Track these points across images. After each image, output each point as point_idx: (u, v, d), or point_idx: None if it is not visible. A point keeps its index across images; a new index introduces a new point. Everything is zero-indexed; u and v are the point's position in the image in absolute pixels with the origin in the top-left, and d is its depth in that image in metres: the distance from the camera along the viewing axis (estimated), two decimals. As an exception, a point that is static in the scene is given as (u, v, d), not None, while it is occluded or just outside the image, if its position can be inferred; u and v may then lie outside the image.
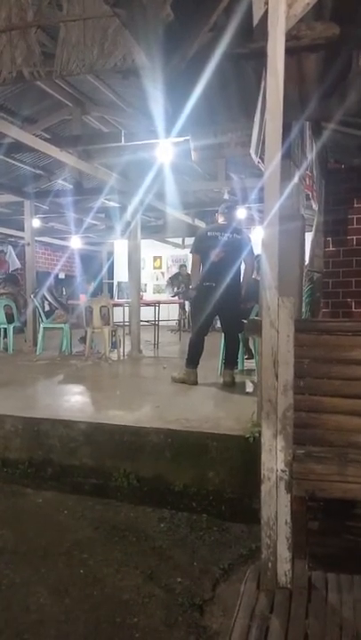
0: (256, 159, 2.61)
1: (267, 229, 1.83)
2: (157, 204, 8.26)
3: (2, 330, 7.41)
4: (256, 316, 4.96)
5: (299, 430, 1.75)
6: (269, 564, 1.77)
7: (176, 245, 12.35)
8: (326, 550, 1.97)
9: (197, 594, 2.16)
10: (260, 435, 2.92)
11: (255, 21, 2.02)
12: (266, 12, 1.79)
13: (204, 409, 3.87)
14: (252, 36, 2.25)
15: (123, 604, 2.13)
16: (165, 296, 11.39)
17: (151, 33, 2.36)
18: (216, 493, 3.04)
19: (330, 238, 4.52)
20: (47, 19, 3.69)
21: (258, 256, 4.75)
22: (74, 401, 4.28)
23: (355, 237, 4.38)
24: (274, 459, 1.74)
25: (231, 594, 2.11)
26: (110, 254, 13.47)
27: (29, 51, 3.71)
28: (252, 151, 2.74)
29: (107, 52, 3.58)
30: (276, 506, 1.74)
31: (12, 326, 7.35)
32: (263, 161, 2.03)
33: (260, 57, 2.14)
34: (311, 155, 3.82)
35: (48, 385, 5.01)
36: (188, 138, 5.36)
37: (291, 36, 1.97)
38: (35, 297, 7.21)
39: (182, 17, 2.23)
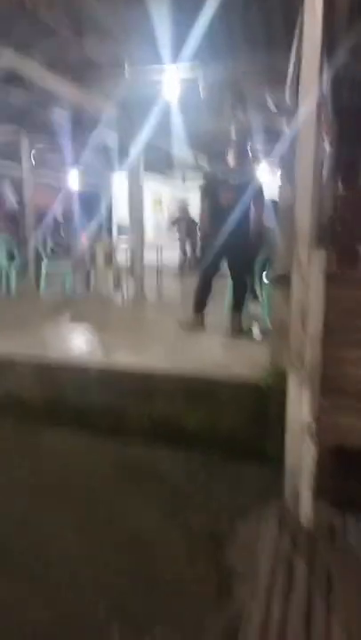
0: (289, 96, 2.47)
1: (301, 176, 1.76)
2: (159, 139, 7.93)
3: (3, 272, 7.30)
4: (265, 262, 4.90)
5: (325, 382, 1.78)
6: (292, 508, 1.85)
7: (177, 184, 12.01)
8: (346, 495, 2.06)
9: (216, 532, 2.26)
10: (272, 382, 2.99)
11: None
12: None
13: (213, 354, 3.92)
14: None
15: (144, 539, 2.24)
16: (168, 240, 11.19)
17: None
18: (228, 436, 3.12)
19: (340, 179, 4.39)
20: None
21: (270, 202, 4.64)
22: (83, 343, 4.31)
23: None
24: (300, 410, 1.78)
25: (249, 533, 2.21)
26: (109, 194, 13.09)
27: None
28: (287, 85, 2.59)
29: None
30: (301, 454, 1.79)
31: (12, 267, 7.24)
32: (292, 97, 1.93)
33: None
34: (326, 90, 3.64)
35: (55, 327, 5.02)
36: (195, 69, 5.09)
37: None
38: (38, 238, 7.08)
39: None
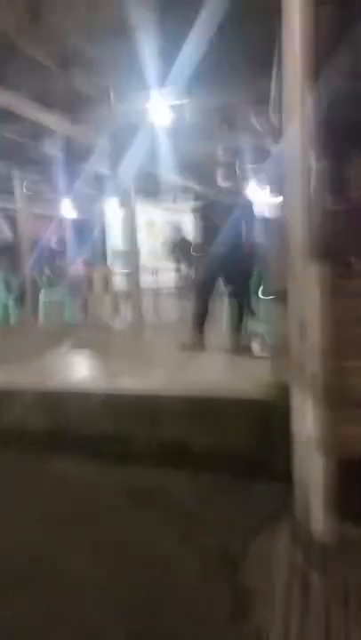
0: (273, 114, 2.54)
1: (292, 189, 1.79)
2: (150, 165, 8.07)
3: (1, 304, 7.35)
4: (260, 278, 4.95)
5: (328, 394, 1.78)
6: (304, 522, 1.83)
7: (170, 209, 12.15)
8: (358, 507, 2.04)
9: (229, 551, 2.24)
10: (276, 397, 2.99)
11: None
12: None
13: (216, 373, 3.92)
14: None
15: (158, 563, 2.21)
16: (163, 263, 11.24)
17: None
18: (235, 455, 3.10)
19: (330, 193, 4.45)
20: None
21: (261, 218, 4.71)
22: (86, 370, 4.31)
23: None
24: (305, 422, 1.78)
25: (262, 550, 2.19)
26: (103, 220, 13.24)
27: (16, 12, 3.54)
28: (270, 108, 2.66)
29: (98, 9, 3.42)
30: (309, 467, 1.79)
31: (10, 299, 7.30)
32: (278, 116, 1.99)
33: (268, 11, 2.07)
34: (310, 106, 3.74)
35: (57, 355, 5.02)
36: (181, 98, 5.23)
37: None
38: (34, 269, 7.16)
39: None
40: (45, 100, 6.39)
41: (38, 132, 7.81)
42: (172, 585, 2.06)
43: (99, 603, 1.96)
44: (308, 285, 1.75)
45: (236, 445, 3.09)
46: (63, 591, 2.04)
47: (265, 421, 2.95)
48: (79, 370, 4.34)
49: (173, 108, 5.17)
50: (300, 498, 1.86)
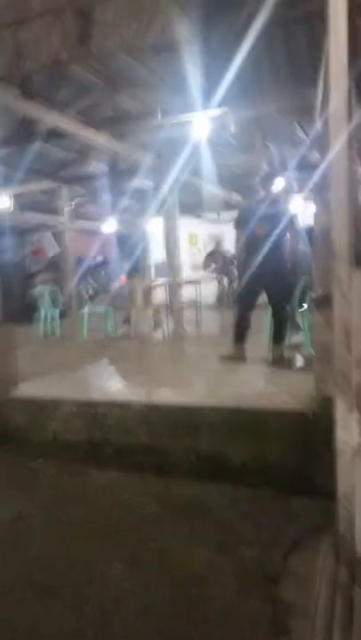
0: (319, 124, 2.53)
1: (334, 196, 1.77)
2: (193, 179, 8.16)
3: (48, 315, 7.56)
4: (304, 289, 4.88)
5: (374, 403, 1.73)
6: (348, 536, 1.77)
7: (212, 221, 12.21)
8: None
9: (268, 566, 2.19)
10: (318, 409, 2.92)
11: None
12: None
13: (257, 385, 3.88)
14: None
15: (196, 576, 2.18)
16: (204, 274, 11.31)
17: (198, 2, 2.30)
18: (276, 468, 3.04)
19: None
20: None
21: (307, 228, 4.66)
22: (127, 382, 4.35)
23: None
24: (349, 433, 1.73)
25: (303, 565, 2.13)
26: (145, 234, 13.41)
27: (65, 34, 3.67)
28: (317, 116, 2.66)
29: (144, 27, 3.50)
30: (353, 479, 1.73)
31: (57, 311, 7.50)
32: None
33: (314, 19, 2.07)
34: (357, 117, 3.70)
35: (99, 367, 5.10)
36: (225, 110, 5.27)
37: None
38: (79, 283, 7.34)
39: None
40: (93, 121, 6.60)
41: (85, 152, 8.07)
42: (210, 598, 2.03)
43: (134, 615, 1.95)
44: (353, 293, 1.71)
45: (277, 458, 3.03)
46: (100, 601, 2.04)
47: (307, 433, 2.89)
48: (120, 381, 4.39)
49: (217, 120, 5.22)
50: (344, 511, 1.80)
